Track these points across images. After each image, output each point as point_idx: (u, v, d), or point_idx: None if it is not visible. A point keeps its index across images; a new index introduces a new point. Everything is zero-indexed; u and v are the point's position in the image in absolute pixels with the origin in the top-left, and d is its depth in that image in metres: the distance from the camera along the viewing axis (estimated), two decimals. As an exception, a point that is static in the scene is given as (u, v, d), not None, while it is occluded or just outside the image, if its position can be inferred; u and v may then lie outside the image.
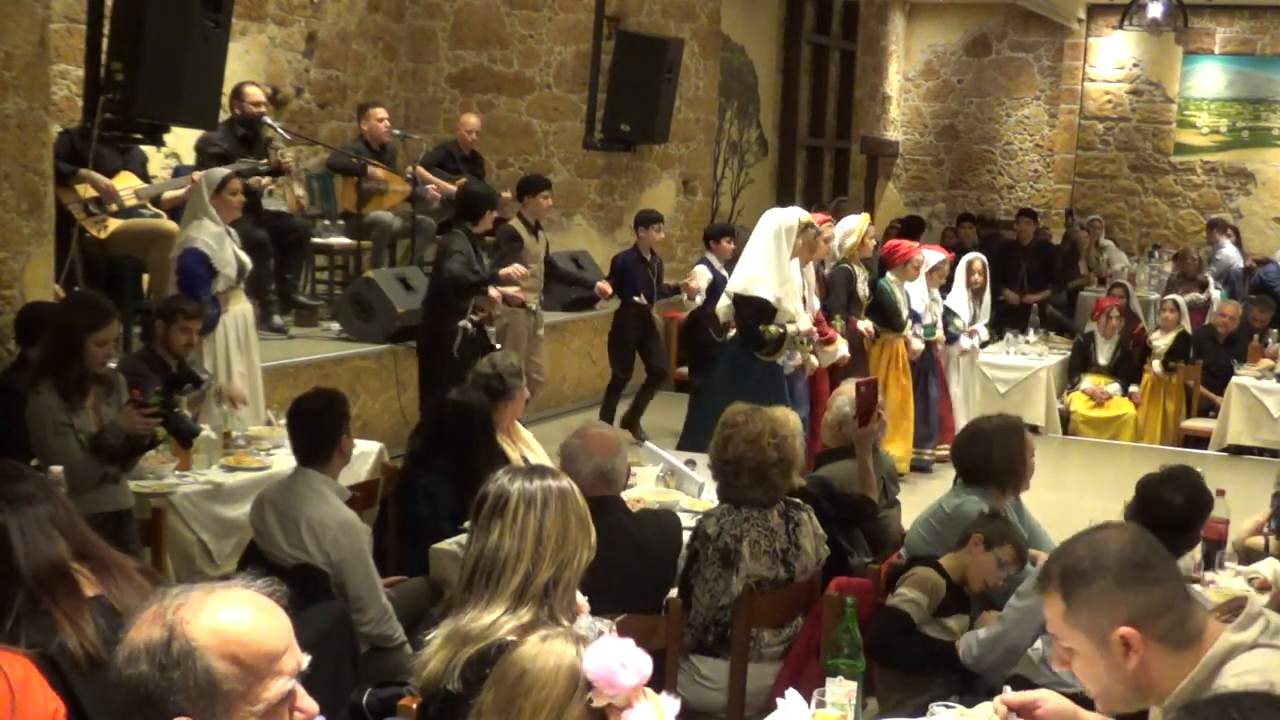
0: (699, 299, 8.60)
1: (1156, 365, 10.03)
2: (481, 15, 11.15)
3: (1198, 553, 4.58)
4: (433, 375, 7.33)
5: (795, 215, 7.02)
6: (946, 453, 8.51)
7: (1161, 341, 10.14)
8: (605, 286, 8.55)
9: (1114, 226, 16.70)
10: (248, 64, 9.49)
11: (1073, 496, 8.03)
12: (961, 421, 8.71)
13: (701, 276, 8.69)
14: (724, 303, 7.14)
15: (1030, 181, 17.68)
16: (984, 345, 9.64)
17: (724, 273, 8.81)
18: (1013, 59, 17.55)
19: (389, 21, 11.16)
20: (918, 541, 4.55)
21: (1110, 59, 17.20)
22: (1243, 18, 16.49)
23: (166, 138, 7.18)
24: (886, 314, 8.25)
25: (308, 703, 1.90)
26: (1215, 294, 12.14)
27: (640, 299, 8.72)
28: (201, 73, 6.67)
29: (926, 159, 18.12)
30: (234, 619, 1.84)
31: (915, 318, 8.44)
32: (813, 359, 7.21)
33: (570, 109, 11.06)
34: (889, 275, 8.39)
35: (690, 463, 5.52)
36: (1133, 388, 10.11)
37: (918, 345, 8.39)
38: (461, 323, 7.24)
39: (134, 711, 1.82)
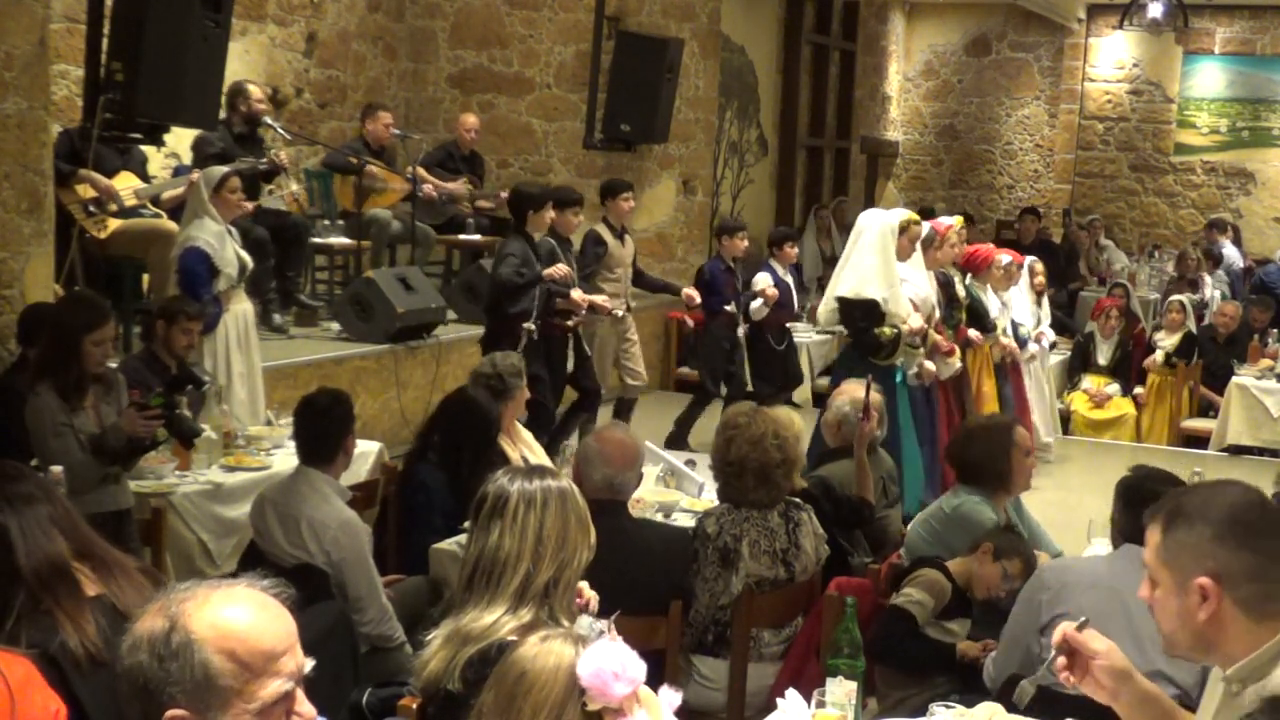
0: (765, 310, 8.49)
1: (1159, 356, 10.03)
2: (481, 15, 11.15)
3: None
4: None
5: (896, 216, 6.85)
6: None
7: (1167, 341, 10.14)
8: (692, 293, 8.32)
9: (1114, 226, 16.70)
10: (248, 64, 9.49)
11: (1073, 497, 8.02)
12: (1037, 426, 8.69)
13: (764, 283, 8.57)
14: (829, 306, 6.86)
15: (1030, 181, 17.68)
16: (1053, 347, 9.63)
17: (787, 279, 8.74)
18: (1013, 59, 17.55)
19: (389, 21, 11.16)
20: (917, 542, 4.54)
21: (1110, 59, 17.20)
22: (1243, 18, 16.49)
23: (166, 138, 7.18)
24: (979, 318, 8.02)
25: (306, 707, 1.89)
26: (1215, 294, 12.14)
27: (731, 308, 8.56)
28: (201, 73, 6.66)
29: (926, 159, 18.12)
30: (235, 615, 1.84)
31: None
32: (929, 365, 6.92)
33: (570, 109, 11.06)
34: (970, 279, 8.16)
35: (690, 463, 5.53)
36: (1138, 389, 10.11)
37: (1010, 343, 8.21)
38: (526, 325, 7.16)
39: (134, 701, 1.83)
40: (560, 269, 7.23)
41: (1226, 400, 9.60)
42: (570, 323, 7.36)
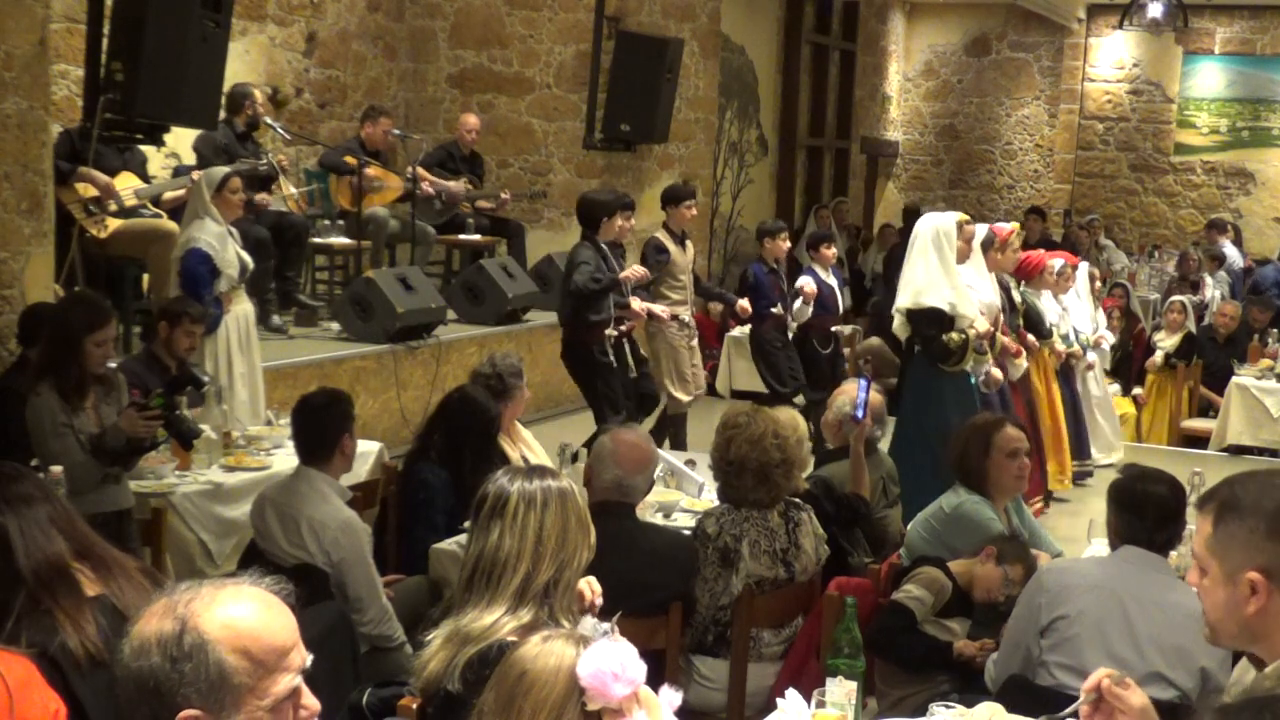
0: (809, 310, 8.48)
1: (1159, 357, 10.04)
2: (481, 15, 11.15)
3: (1198, 550, 4.55)
4: (589, 387, 7.27)
5: (951, 217, 6.75)
6: (1090, 466, 8.31)
7: (1167, 342, 10.14)
8: (746, 305, 8.33)
9: (1114, 226, 16.72)
10: (248, 64, 9.49)
11: (1073, 496, 8.03)
12: (1094, 433, 8.63)
13: (806, 284, 8.54)
14: (898, 320, 6.71)
15: (1030, 181, 17.68)
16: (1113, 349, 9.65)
17: (830, 280, 8.73)
18: (1013, 59, 17.56)
19: (389, 21, 11.16)
20: (917, 541, 4.54)
21: (1110, 59, 17.21)
22: (1243, 18, 16.50)
23: (166, 138, 7.17)
24: (1034, 324, 7.97)
25: (311, 700, 1.91)
26: (1215, 294, 12.14)
27: (777, 310, 8.57)
28: (201, 73, 6.66)
29: (926, 159, 18.13)
30: (245, 613, 1.85)
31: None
32: (995, 372, 6.78)
33: (570, 109, 11.06)
34: (1024, 286, 8.09)
35: (690, 463, 5.52)
36: (1137, 389, 10.11)
37: (1064, 348, 8.15)
38: (608, 331, 7.14)
39: (142, 704, 1.83)
40: (637, 270, 7.27)
41: (1226, 400, 9.60)
42: (624, 328, 7.35)
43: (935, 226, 6.62)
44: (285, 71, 10.06)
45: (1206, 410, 10.19)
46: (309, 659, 1.91)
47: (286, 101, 10.04)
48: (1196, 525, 2.22)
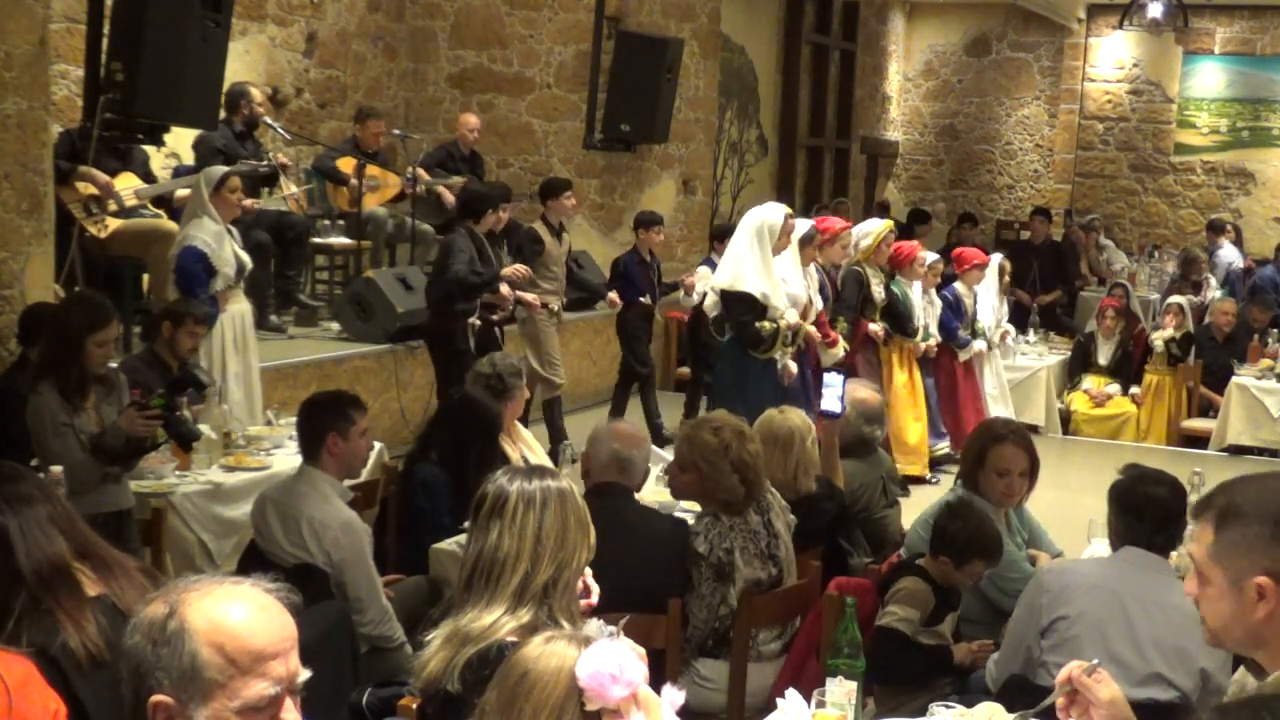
0: (696, 296, 8.56)
1: (1159, 343, 10.03)
2: (481, 15, 11.15)
3: (1197, 551, 4.55)
4: (447, 375, 7.34)
5: (778, 212, 6.89)
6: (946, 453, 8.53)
7: (1167, 332, 10.13)
8: (615, 298, 8.60)
9: (1114, 226, 16.71)
10: (248, 64, 9.49)
11: (1073, 496, 8.02)
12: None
13: (704, 277, 8.58)
14: (711, 299, 7.08)
15: (1030, 181, 17.68)
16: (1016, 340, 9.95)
17: None
18: (1013, 59, 17.56)
19: (389, 21, 11.16)
20: (917, 542, 4.53)
21: (1110, 59, 17.20)
22: (1243, 18, 16.50)
23: (166, 138, 7.18)
24: (900, 319, 8.19)
25: (292, 716, 1.88)
26: (1216, 294, 12.13)
27: (645, 300, 8.79)
28: (201, 73, 6.66)
29: (926, 159, 18.12)
30: (231, 612, 1.86)
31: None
32: (791, 365, 6.87)
33: (570, 109, 11.06)
34: (898, 278, 8.32)
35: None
36: (1134, 389, 10.11)
37: (932, 343, 8.41)
38: (471, 319, 7.28)
39: (130, 681, 1.86)
40: (519, 269, 7.53)
41: (1226, 400, 9.59)
42: (495, 317, 7.48)
43: (761, 220, 6.84)
44: (285, 71, 10.06)
45: (1206, 410, 10.18)
46: (303, 675, 1.89)
47: (286, 101, 10.04)
48: (1195, 534, 2.18)
